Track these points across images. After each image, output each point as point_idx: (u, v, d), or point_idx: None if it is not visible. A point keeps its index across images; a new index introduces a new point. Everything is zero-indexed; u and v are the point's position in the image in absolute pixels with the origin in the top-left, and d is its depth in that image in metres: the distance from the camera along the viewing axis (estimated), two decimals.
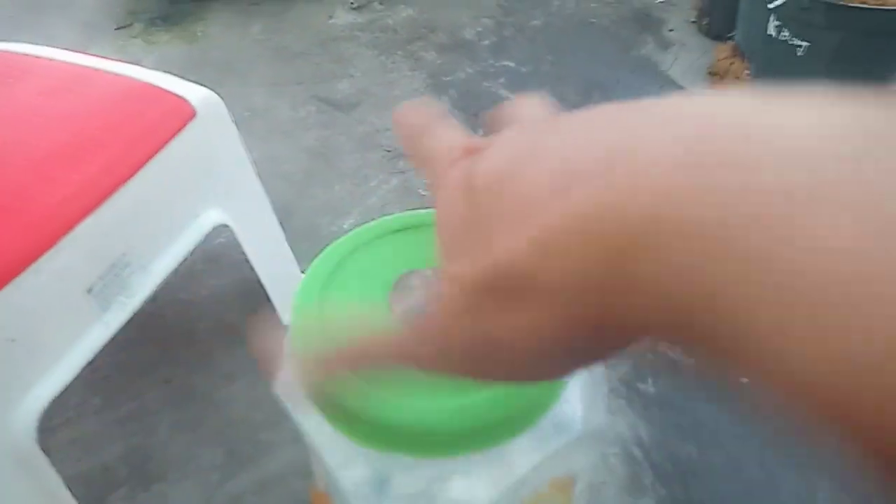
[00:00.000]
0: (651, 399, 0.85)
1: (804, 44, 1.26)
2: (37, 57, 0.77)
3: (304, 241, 1.02)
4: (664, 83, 1.49)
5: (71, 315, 0.59)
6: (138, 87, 0.71)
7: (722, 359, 0.14)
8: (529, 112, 0.24)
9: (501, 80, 1.52)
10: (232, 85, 1.50)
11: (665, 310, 0.14)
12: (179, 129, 0.68)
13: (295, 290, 0.35)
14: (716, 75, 1.46)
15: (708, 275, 0.13)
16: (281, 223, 0.89)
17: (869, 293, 0.11)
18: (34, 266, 0.54)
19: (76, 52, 0.77)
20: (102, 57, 0.76)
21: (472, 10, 1.81)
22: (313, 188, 1.21)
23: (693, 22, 1.69)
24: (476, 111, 1.41)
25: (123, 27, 1.76)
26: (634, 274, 0.14)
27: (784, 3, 1.25)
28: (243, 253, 0.82)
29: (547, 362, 0.18)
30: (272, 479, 0.77)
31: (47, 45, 0.79)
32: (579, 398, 0.36)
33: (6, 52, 0.78)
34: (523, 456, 0.34)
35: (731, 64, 1.42)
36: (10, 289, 0.52)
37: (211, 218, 0.75)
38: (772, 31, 1.30)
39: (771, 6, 1.27)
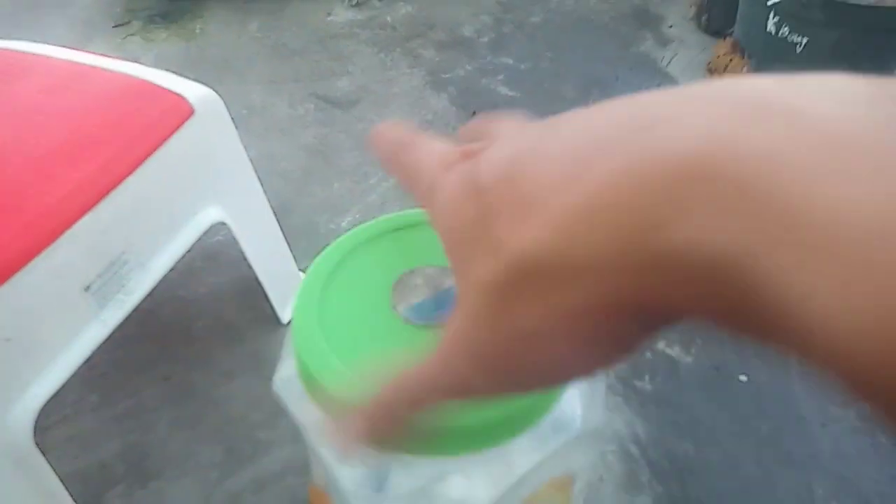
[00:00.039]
0: (648, 396, 0.85)
1: (803, 40, 1.26)
2: (35, 55, 0.76)
3: (303, 239, 1.02)
4: (663, 80, 1.49)
5: (68, 313, 0.59)
6: (136, 84, 0.70)
7: (756, 330, 0.13)
8: (509, 126, 0.23)
9: (500, 77, 1.52)
10: (230, 83, 1.50)
11: (698, 280, 0.13)
12: (178, 127, 0.68)
13: (294, 288, 0.35)
14: (715, 72, 1.46)
15: (744, 234, 0.12)
16: (279, 221, 0.89)
17: None
18: (31, 264, 0.54)
19: (74, 49, 0.76)
20: (101, 54, 0.75)
21: (470, 7, 1.81)
22: (312, 186, 1.21)
23: (692, 18, 1.69)
24: (475, 108, 1.41)
25: (121, 25, 1.76)
26: (667, 243, 0.13)
27: None
28: (241, 251, 0.82)
29: (584, 353, 0.17)
30: (271, 476, 0.77)
31: (46, 43, 0.78)
32: (578, 397, 0.36)
33: (5, 49, 0.77)
34: (522, 455, 0.34)
35: (731, 60, 1.42)
36: (6, 287, 0.52)
37: (209, 216, 0.75)
38: (771, 27, 1.30)
39: (770, 3, 1.27)
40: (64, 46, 0.77)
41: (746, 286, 0.12)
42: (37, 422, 0.56)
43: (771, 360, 0.87)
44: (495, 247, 0.17)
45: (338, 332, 0.33)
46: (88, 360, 0.60)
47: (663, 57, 1.57)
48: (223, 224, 0.77)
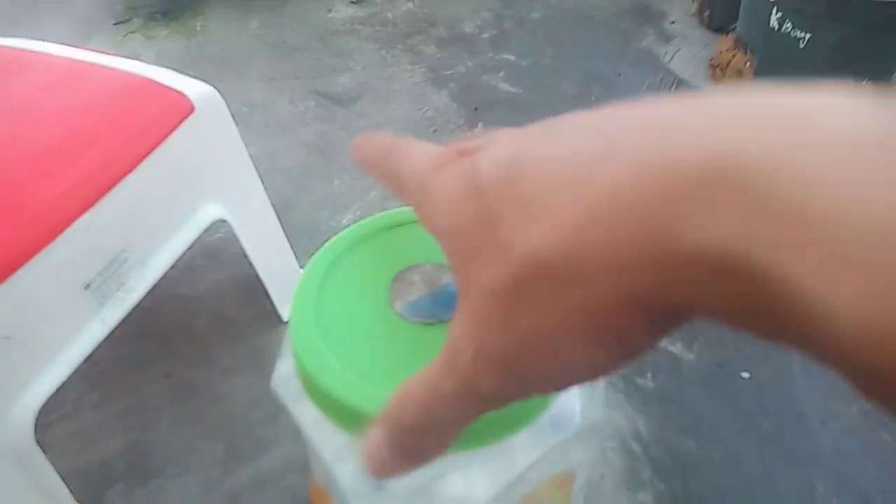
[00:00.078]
0: (650, 393, 0.85)
1: (806, 36, 1.26)
2: (35, 52, 0.76)
3: (303, 236, 1.02)
4: (665, 76, 1.49)
5: (68, 311, 0.59)
6: (136, 82, 0.70)
7: (768, 328, 0.14)
8: (506, 130, 0.23)
9: (501, 73, 1.52)
10: (230, 80, 1.50)
11: (713, 279, 0.13)
12: (178, 124, 0.68)
13: (294, 285, 0.35)
14: (717, 68, 1.46)
15: (760, 235, 0.12)
16: (279, 218, 0.89)
17: None
18: (31, 262, 0.54)
19: (74, 47, 0.76)
20: (101, 52, 0.75)
21: (471, 3, 1.80)
22: (312, 183, 1.21)
23: (694, 14, 1.69)
24: (476, 105, 1.41)
25: (122, 22, 1.76)
26: (684, 242, 0.13)
27: None
28: (242, 248, 0.82)
29: (592, 355, 0.17)
30: (271, 474, 0.77)
31: (45, 41, 0.78)
32: (578, 394, 0.36)
33: (4, 47, 0.77)
34: (522, 452, 0.34)
35: (733, 56, 1.41)
36: (6, 285, 0.52)
37: (209, 213, 0.75)
38: (774, 23, 1.29)
39: None
40: (64, 44, 0.77)
41: (761, 286, 0.12)
42: (37, 419, 0.56)
43: (773, 358, 0.86)
44: (502, 249, 0.17)
45: (335, 330, 0.33)
46: (89, 358, 0.60)
47: (665, 53, 1.57)
48: (224, 221, 0.77)
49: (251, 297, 0.94)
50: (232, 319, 0.95)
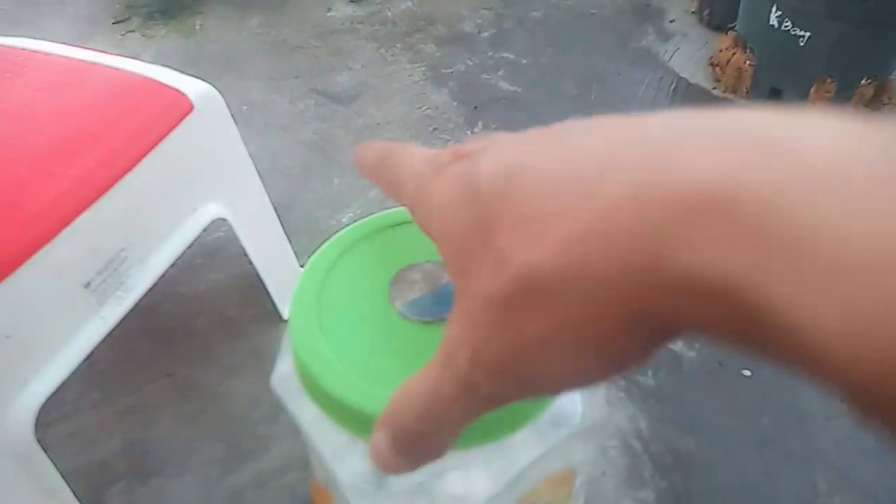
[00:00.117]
0: (651, 391, 0.85)
1: (806, 34, 1.26)
2: (34, 51, 0.76)
3: (303, 235, 1.02)
4: (665, 74, 1.49)
5: (68, 311, 0.59)
6: (136, 81, 0.70)
7: (762, 348, 0.14)
8: (503, 135, 0.23)
9: (501, 72, 1.52)
10: (230, 79, 1.50)
11: (706, 302, 0.14)
12: (177, 123, 0.67)
13: (294, 284, 0.35)
14: (717, 66, 1.46)
15: (751, 261, 0.13)
16: (279, 217, 0.89)
17: None
18: (31, 261, 0.54)
19: (73, 46, 0.76)
20: (99, 51, 0.75)
21: (471, 1, 1.80)
22: (312, 182, 1.21)
23: (694, 13, 1.69)
24: (475, 103, 1.41)
25: (121, 21, 1.75)
26: (677, 266, 0.14)
27: None
28: (242, 247, 0.82)
29: (590, 363, 0.17)
30: (272, 473, 0.77)
31: (45, 40, 0.78)
32: (578, 392, 0.36)
33: (3, 46, 0.77)
34: (522, 450, 0.34)
35: (733, 54, 1.41)
36: (6, 284, 0.52)
37: (209, 212, 0.74)
38: (773, 21, 1.29)
39: None
40: (63, 43, 0.77)
41: (753, 310, 0.13)
42: (38, 419, 0.56)
43: None
44: (500, 258, 0.17)
45: (335, 329, 0.33)
46: (89, 357, 0.60)
47: (665, 51, 1.57)
48: (223, 220, 0.77)
49: (251, 296, 0.94)
50: (232, 318, 0.95)
